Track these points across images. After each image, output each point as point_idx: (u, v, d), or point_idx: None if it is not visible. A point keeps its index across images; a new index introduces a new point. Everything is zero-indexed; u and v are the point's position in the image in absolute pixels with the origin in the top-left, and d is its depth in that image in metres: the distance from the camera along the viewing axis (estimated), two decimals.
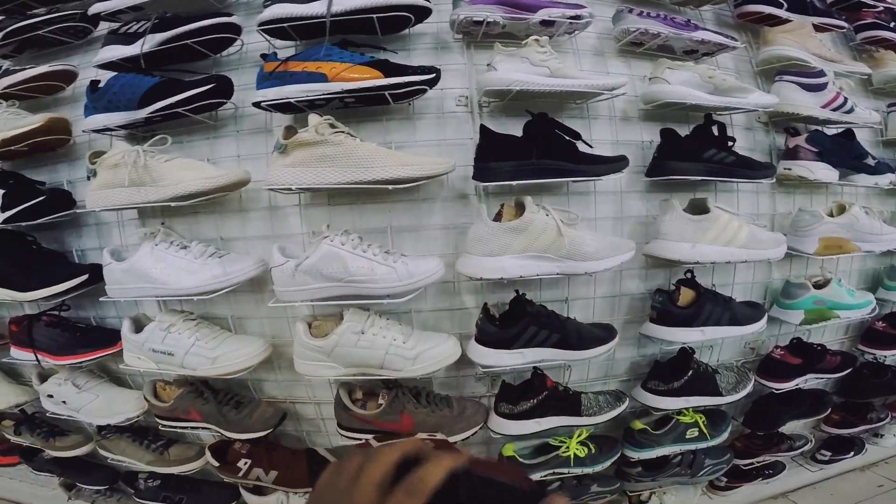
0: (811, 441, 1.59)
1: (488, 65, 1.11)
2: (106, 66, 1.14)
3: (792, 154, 1.34)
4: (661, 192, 1.29)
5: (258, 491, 1.32)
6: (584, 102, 1.24)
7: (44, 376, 1.34)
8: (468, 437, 1.20)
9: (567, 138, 1.07)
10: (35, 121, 1.15)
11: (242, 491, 1.34)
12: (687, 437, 1.34)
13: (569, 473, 1.28)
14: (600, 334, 1.16)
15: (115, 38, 1.11)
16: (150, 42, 1.08)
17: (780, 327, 1.46)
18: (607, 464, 1.31)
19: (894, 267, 1.54)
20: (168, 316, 1.19)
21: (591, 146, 1.09)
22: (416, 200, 1.19)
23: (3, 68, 1.21)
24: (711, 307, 1.22)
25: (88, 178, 1.10)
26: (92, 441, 1.41)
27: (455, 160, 1.10)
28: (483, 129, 1.06)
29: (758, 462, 1.51)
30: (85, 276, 1.21)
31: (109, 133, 1.18)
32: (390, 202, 1.18)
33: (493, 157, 1.05)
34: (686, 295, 1.23)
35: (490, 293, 1.24)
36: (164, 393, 1.27)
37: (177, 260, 1.12)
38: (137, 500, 1.42)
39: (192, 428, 1.26)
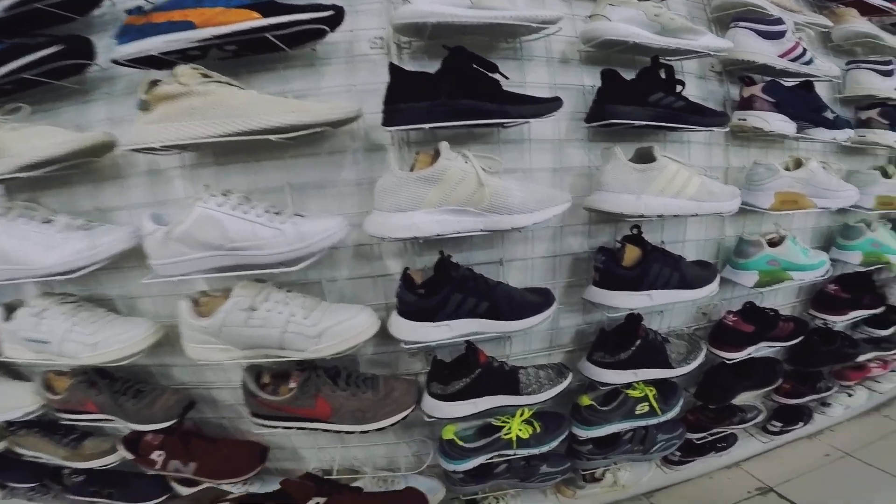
0: (763, 411, 1.42)
1: None
2: None
3: (747, 104, 1.13)
4: (604, 141, 1.07)
5: (188, 482, 1.12)
6: (516, 42, 1.00)
7: None
8: (398, 422, 0.98)
9: (489, 76, 0.84)
10: None
11: (172, 483, 1.14)
12: (637, 412, 1.15)
13: (514, 455, 1.09)
14: (535, 301, 0.95)
15: None
16: None
17: (732, 289, 1.28)
18: (554, 444, 1.11)
19: (848, 225, 1.36)
20: (41, 300, 0.95)
21: (506, 77, 0.86)
22: (321, 154, 0.95)
23: None
24: (659, 267, 1.02)
25: None
26: (4, 437, 1.16)
27: (367, 107, 0.88)
28: (393, 67, 0.82)
29: (711, 435, 1.33)
30: None
31: None
32: (289, 158, 0.94)
33: (403, 98, 0.81)
34: (631, 253, 1.03)
35: (416, 255, 1.02)
36: (57, 383, 1.05)
37: (35, 235, 0.88)
38: (68, 496, 1.20)
39: (94, 420, 1.04)
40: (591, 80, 1.05)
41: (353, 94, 0.94)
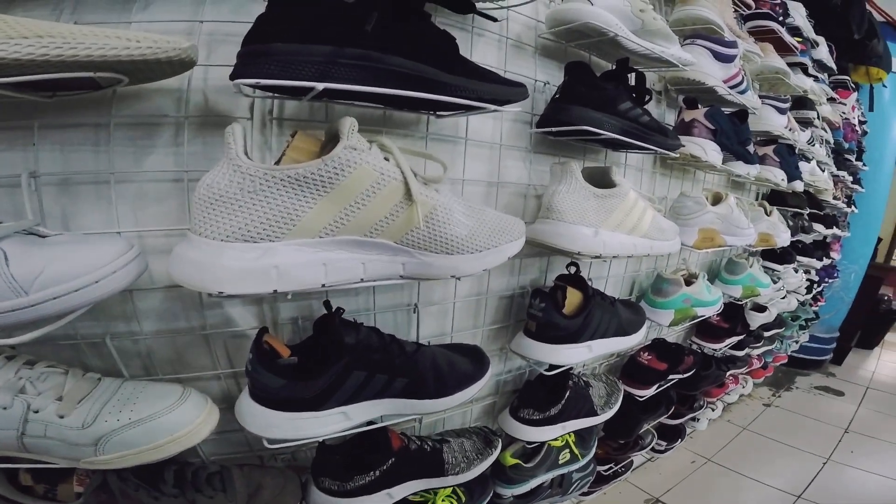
0: (655, 435, 1.28)
1: None
2: None
3: (686, 129, 0.92)
4: (548, 154, 0.76)
5: None
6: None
7: None
8: None
9: (442, 29, 0.46)
10: None
11: None
12: (560, 462, 0.89)
13: None
14: (467, 369, 0.59)
15: None
16: None
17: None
18: None
19: (733, 261, 1.27)
20: None
21: (495, 19, 0.51)
22: (106, 126, 0.45)
23: None
24: (600, 314, 0.75)
25: None
26: None
27: (219, 56, 0.47)
28: None
29: (616, 464, 1.15)
30: None
31: None
32: (39, 127, 0.43)
33: (282, 35, 0.38)
34: (573, 298, 0.73)
35: (280, 302, 0.58)
36: None
37: None
38: None
39: None
40: (543, 76, 0.73)
41: (196, 37, 0.48)
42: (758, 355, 1.68)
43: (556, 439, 0.87)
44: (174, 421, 0.44)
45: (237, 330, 0.55)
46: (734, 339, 1.34)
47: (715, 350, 1.33)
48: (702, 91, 0.93)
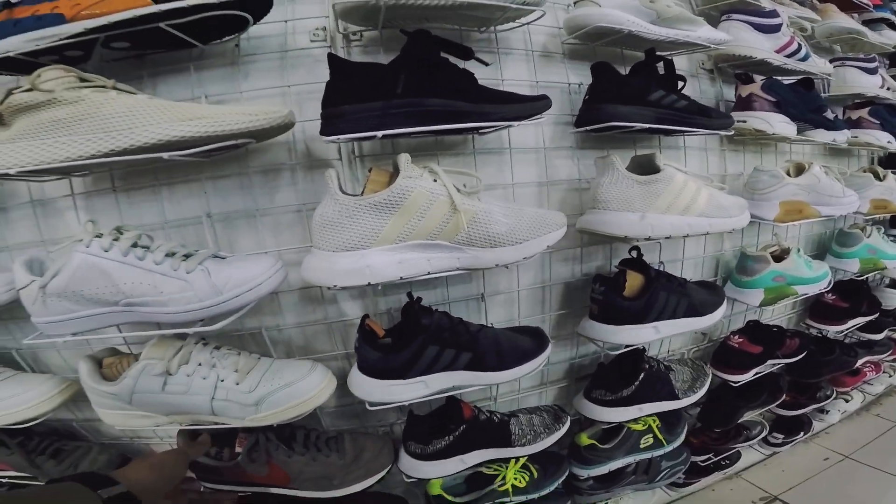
0: (766, 427, 1.25)
1: None
2: None
3: (745, 104, 0.95)
4: (594, 149, 0.86)
5: None
6: (489, 30, 0.78)
7: None
8: (371, 486, 0.74)
9: (461, 67, 0.62)
10: None
11: None
12: (641, 446, 0.95)
13: (511, 502, 0.87)
14: (527, 346, 0.73)
15: None
16: None
17: (732, 307, 1.09)
18: (552, 487, 0.90)
19: (844, 232, 1.19)
20: None
21: (486, 63, 0.64)
22: (248, 174, 0.70)
23: None
24: (666, 296, 0.82)
25: None
26: None
27: (306, 113, 0.66)
28: (332, 58, 0.59)
29: (716, 455, 1.16)
30: None
31: None
32: (208, 179, 0.69)
33: (346, 99, 0.58)
34: (634, 281, 0.82)
35: (381, 296, 0.78)
36: None
37: None
38: None
39: (11, 478, 0.79)
40: (576, 77, 0.85)
41: (288, 98, 0.70)
42: None
43: (636, 422, 0.94)
44: (306, 386, 0.65)
45: (348, 319, 0.77)
46: (861, 321, 1.24)
47: (835, 333, 1.25)
48: (755, 64, 0.94)
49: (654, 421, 0.96)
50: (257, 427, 0.70)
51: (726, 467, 1.19)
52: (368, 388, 0.66)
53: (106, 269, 0.54)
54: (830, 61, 1.21)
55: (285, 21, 0.71)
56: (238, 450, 0.71)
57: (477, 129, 0.64)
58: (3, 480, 0.83)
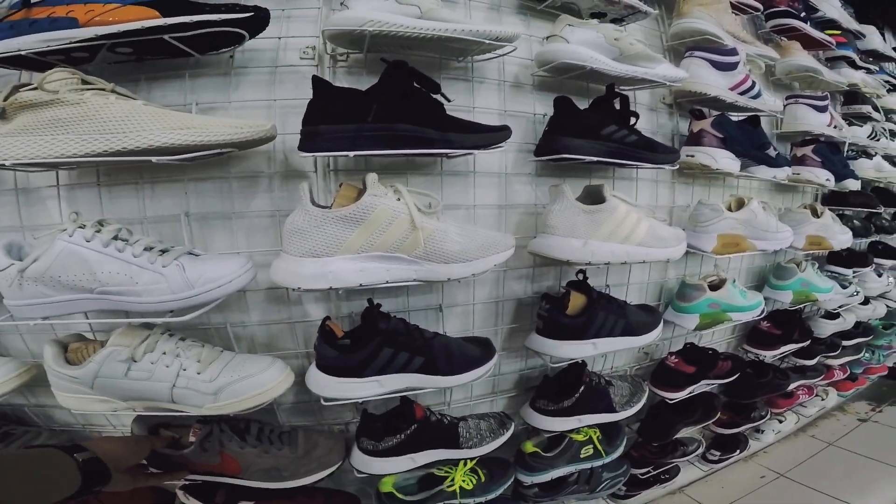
0: (702, 443, 1.37)
1: (341, 3, 0.72)
2: None
3: (696, 139, 1.06)
4: (552, 177, 0.96)
5: None
6: (466, 60, 0.87)
7: None
8: (320, 480, 0.81)
9: (432, 96, 0.70)
10: None
11: None
12: (581, 456, 1.04)
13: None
14: (475, 354, 0.81)
15: None
16: None
17: (673, 330, 1.21)
18: (499, 491, 0.98)
19: (780, 266, 1.33)
20: None
21: (449, 100, 0.72)
22: (229, 178, 0.76)
23: None
24: (604, 315, 0.92)
25: None
26: None
27: (287, 126, 0.73)
28: (316, 80, 0.66)
29: (655, 468, 1.27)
30: None
31: None
32: (189, 181, 0.75)
33: (325, 119, 0.65)
34: (577, 301, 0.92)
35: (344, 301, 0.85)
36: None
37: None
38: None
39: None
40: (542, 107, 0.94)
41: (273, 111, 0.77)
42: (840, 365, 1.66)
43: (577, 433, 1.04)
44: (264, 379, 0.71)
45: (311, 320, 0.84)
46: (793, 347, 1.38)
47: (770, 358, 1.38)
48: (711, 101, 1.06)
49: (595, 432, 1.06)
50: (213, 418, 0.76)
51: (666, 481, 1.30)
52: (324, 384, 0.73)
53: (86, 257, 0.60)
54: (787, 98, 1.34)
55: (278, 38, 0.78)
56: (192, 439, 0.75)
57: (443, 154, 0.73)
58: None
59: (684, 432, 1.24)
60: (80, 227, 0.61)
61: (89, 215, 0.64)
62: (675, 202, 1.15)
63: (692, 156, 1.05)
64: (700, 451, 1.35)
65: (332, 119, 0.65)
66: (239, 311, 0.80)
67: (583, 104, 0.87)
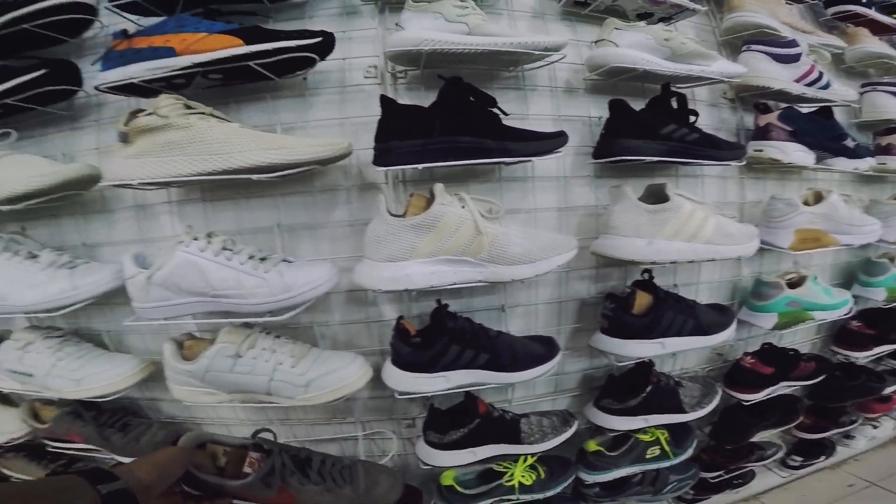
0: (782, 448, 1.30)
1: (396, 24, 0.80)
2: None
3: (763, 133, 1.03)
4: (612, 178, 0.98)
5: None
6: (517, 70, 0.92)
7: None
8: None
9: (489, 109, 0.76)
10: None
11: None
12: (647, 456, 1.04)
13: (518, 500, 0.98)
14: (539, 352, 0.85)
15: None
16: None
17: (749, 330, 1.17)
18: (559, 489, 1.00)
19: (871, 261, 1.24)
20: (25, 333, 0.88)
21: (505, 114, 0.77)
22: (313, 192, 0.87)
23: None
24: (672, 315, 0.92)
25: None
26: None
27: (360, 142, 0.81)
28: (384, 99, 0.74)
29: (727, 473, 1.22)
30: None
31: None
32: (279, 195, 0.86)
33: (394, 135, 0.73)
34: (643, 300, 0.93)
35: (414, 302, 0.93)
36: (44, 412, 0.98)
37: (18, 272, 0.82)
38: None
39: (79, 451, 0.96)
40: (597, 110, 0.96)
41: (345, 128, 0.87)
42: None
43: (644, 433, 1.04)
44: (348, 373, 0.80)
45: (385, 320, 0.92)
46: (888, 348, 1.28)
47: (862, 359, 1.29)
48: (776, 94, 1.03)
49: (663, 433, 1.05)
50: (273, 449, 0.74)
51: (738, 486, 1.26)
52: (398, 379, 0.81)
53: (201, 266, 0.72)
54: (863, 86, 1.26)
55: (343, 59, 0.87)
56: (248, 470, 0.72)
57: (502, 162, 0.78)
58: (69, 452, 0.99)
59: (761, 436, 1.19)
60: (195, 240, 0.73)
61: (196, 227, 0.76)
62: (746, 198, 1.12)
63: (760, 150, 1.02)
64: (779, 456, 1.29)
65: (400, 135, 0.73)
66: (323, 312, 0.90)
67: (639, 104, 0.89)
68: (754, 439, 1.19)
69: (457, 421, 0.89)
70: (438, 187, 0.71)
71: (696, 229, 0.87)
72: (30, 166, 0.80)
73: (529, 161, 0.86)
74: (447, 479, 0.97)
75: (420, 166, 0.72)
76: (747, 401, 1.10)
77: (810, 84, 1.05)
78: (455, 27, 0.77)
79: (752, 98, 1.08)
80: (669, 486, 1.11)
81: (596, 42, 0.90)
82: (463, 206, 0.71)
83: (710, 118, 1.07)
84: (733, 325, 0.99)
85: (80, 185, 0.82)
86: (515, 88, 0.93)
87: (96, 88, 0.78)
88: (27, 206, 0.79)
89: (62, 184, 0.79)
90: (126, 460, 0.91)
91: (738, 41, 1.07)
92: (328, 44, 0.77)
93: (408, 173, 0.88)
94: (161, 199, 0.88)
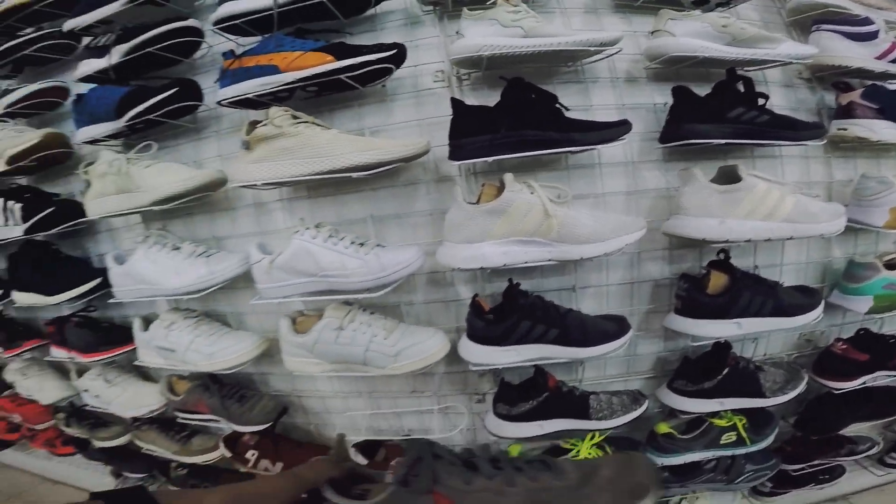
0: (879, 444, 1.21)
1: (457, 32, 0.89)
2: (87, 79, 1.03)
3: (846, 112, 1.00)
4: (682, 161, 1.00)
5: None
6: (576, 65, 0.97)
7: (81, 372, 1.30)
8: None
9: (551, 106, 0.83)
10: (33, 137, 1.10)
11: None
12: (722, 442, 1.04)
13: None
14: (610, 329, 0.90)
15: (88, 52, 1.01)
16: (117, 53, 0.96)
17: (843, 316, 1.12)
18: None
19: None
20: (170, 314, 1.10)
21: (566, 108, 0.83)
22: (398, 186, 0.99)
23: (3, 89, 1.16)
24: (750, 295, 0.92)
25: (84, 188, 1.04)
26: (129, 431, 1.36)
27: (435, 140, 0.90)
28: (454, 102, 0.84)
29: (811, 467, 1.17)
30: (98, 280, 1.15)
31: (102, 143, 1.07)
32: (370, 190, 0.99)
33: (465, 133, 0.83)
34: (718, 280, 0.94)
35: (487, 282, 1.02)
36: (178, 386, 1.20)
37: (167, 261, 1.03)
38: (170, 487, 1.37)
39: (204, 420, 1.17)
40: (661, 97, 0.99)
41: (422, 128, 0.98)
42: None
43: (720, 418, 1.04)
44: (431, 344, 0.90)
45: (461, 300, 1.02)
46: None
47: None
48: (853, 73, 0.98)
49: (741, 419, 1.04)
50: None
51: (824, 482, 1.19)
52: (473, 352, 0.90)
53: (313, 251, 0.86)
54: None
55: (414, 66, 0.98)
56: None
57: (567, 151, 0.85)
58: (193, 423, 1.18)
59: (855, 429, 1.12)
60: (307, 229, 0.88)
61: (306, 220, 0.91)
62: (834, 177, 1.08)
63: (845, 129, 0.98)
64: (875, 452, 1.20)
65: (470, 132, 0.83)
66: (407, 293, 1.02)
67: (704, 88, 0.91)
68: (846, 432, 1.13)
69: (526, 394, 0.96)
70: (508, 176, 0.80)
71: (773, 208, 0.87)
72: (175, 172, 0.98)
73: (595, 149, 0.92)
74: (513, 452, 1.04)
75: (489, 159, 0.81)
76: (838, 389, 1.05)
77: (894, 60, 0.99)
78: (511, 31, 0.85)
79: (831, 77, 1.04)
80: (744, 476, 1.09)
81: (652, 33, 0.93)
82: (532, 193, 0.79)
83: (786, 99, 1.05)
84: (819, 308, 0.96)
85: (212, 187, 1.00)
86: (576, 82, 0.98)
87: (218, 103, 0.94)
88: (174, 206, 0.98)
89: (201, 186, 0.97)
90: (240, 429, 1.10)
91: (807, 20, 1.04)
92: (401, 55, 0.89)
93: (478, 166, 0.97)
94: (274, 197, 1.05)
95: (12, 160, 1.08)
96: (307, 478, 0.54)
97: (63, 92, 1.18)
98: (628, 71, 1.00)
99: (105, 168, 0.98)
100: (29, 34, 1.08)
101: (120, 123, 0.99)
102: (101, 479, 1.56)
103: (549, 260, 0.81)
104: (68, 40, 1.09)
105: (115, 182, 0.98)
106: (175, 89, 0.97)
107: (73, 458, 1.57)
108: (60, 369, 1.41)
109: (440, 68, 0.99)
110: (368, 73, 0.87)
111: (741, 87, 0.89)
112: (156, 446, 1.28)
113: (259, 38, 0.95)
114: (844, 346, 1.06)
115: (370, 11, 0.98)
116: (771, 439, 1.06)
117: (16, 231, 1.13)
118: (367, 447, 1.11)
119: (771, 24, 1.07)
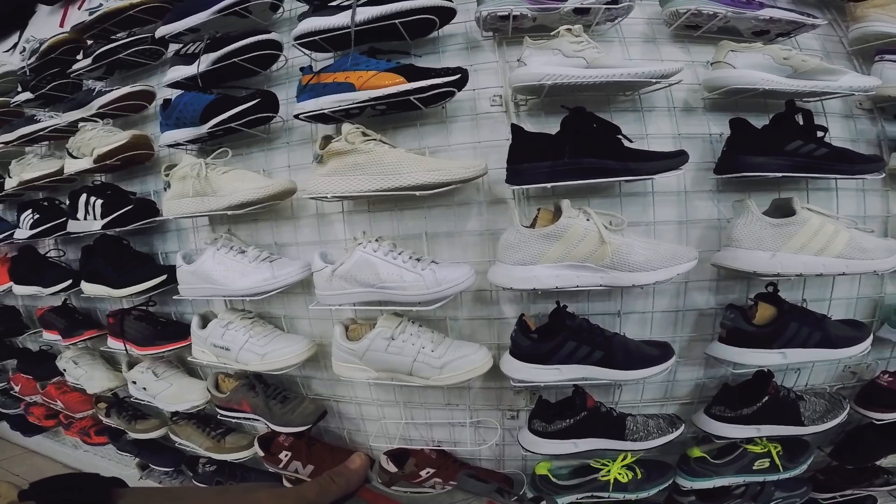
0: None
1: (518, 60, 0.94)
2: (175, 84, 1.12)
3: None
4: (736, 192, 1.01)
5: (298, 483, 1.26)
6: (633, 94, 1.00)
7: (131, 364, 1.39)
8: None
9: (610, 136, 0.86)
10: (122, 138, 1.18)
11: (285, 482, 1.26)
12: (755, 468, 1.04)
13: (608, 498, 1.05)
14: (653, 354, 0.93)
15: (177, 59, 1.09)
16: (205, 62, 1.04)
17: (892, 350, 1.11)
18: (653, 492, 1.05)
19: None
20: (228, 314, 1.17)
21: (630, 140, 0.87)
22: (452, 205, 1.04)
23: (97, 90, 1.25)
24: (797, 326, 0.93)
25: (164, 189, 1.12)
26: (166, 425, 1.43)
27: (490, 163, 0.94)
28: (514, 128, 0.89)
29: (842, 497, 1.16)
30: (163, 277, 1.23)
31: (183, 147, 1.16)
32: (426, 207, 1.05)
33: (525, 158, 0.87)
34: (765, 311, 0.95)
35: (531, 303, 1.06)
36: (224, 384, 1.25)
37: (233, 263, 1.09)
38: (195, 482, 1.42)
39: (244, 419, 1.22)
40: (717, 127, 1.01)
41: (478, 151, 1.02)
42: None
43: (755, 444, 1.04)
44: (476, 359, 0.95)
45: (505, 318, 1.06)
46: None
47: None
48: None
49: (776, 447, 1.05)
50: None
51: None
52: (516, 368, 0.94)
53: (373, 263, 0.91)
54: None
55: (473, 89, 1.02)
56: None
57: (625, 180, 0.88)
58: (233, 421, 1.21)
59: (892, 460, 1.11)
60: (369, 242, 0.94)
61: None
62: (891, 211, 1.07)
63: (883, 165, 0.98)
64: None
65: (530, 158, 0.87)
66: (453, 309, 1.07)
67: (762, 119, 0.92)
68: (883, 463, 1.12)
69: (564, 412, 1.00)
70: (565, 203, 0.84)
71: (826, 243, 0.88)
72: (252, 180, 1.04)
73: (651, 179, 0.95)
74: (542, 469, 1.07)
75: (549, 185, 0.85)
76: (879, 420, 1.05)
77: None
78: (573, 62, 0.89)
79: (893, 108, 1.03)
80: (774, 502, 1.09)
81: (712, 64, 0.95)
82: (588, 219, 0.83)
83: (846, 130, 1.05)
84: (868, 341, 0.96)
85: (282, 196, 1.06)
86: (633, 111, 1.01)
87: (295, 117, 1.01)
88: (245, 212, 1.04)
89: (274, 195, 1.03)
90: (280, 429, 1.14)
91: (870, 50, 1.03)
92: (465, 79, 0.93)
93: (531, 190, 1.00)
94: (336, 210, 1.12)
95: (100, 158, 1.17)
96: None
97: (150, 96, 1.27)
98: (685, 100, 1.03)
99: (187, 171, 1.05)
100: (123, 39, 1.17)
101: (202, 129, 1.06)
102: (123, 470, 1.63)
103: (601, 286, 0.85)
104: (157, 46, 1.18)
105: (195, 185, 1.05)
106: (258, 100, 1.04)
107: (101, 448, 1.64)
108: (111, 360, 1.51)
109: (497, 93, 1.03)
110: (433, 95, 0.92)
111: (800, 119, 0.90)
112: (190, 441, 1.34)
113: (332, 54, 1.01)
114: (890, 379, 1.05)
115: (434, 34, 1.04)
116: (805, 467, 1.06)
117: (95, 225, 1.22)
118: (397, 456, 1.16)
119: (833, 54, 1.07)
